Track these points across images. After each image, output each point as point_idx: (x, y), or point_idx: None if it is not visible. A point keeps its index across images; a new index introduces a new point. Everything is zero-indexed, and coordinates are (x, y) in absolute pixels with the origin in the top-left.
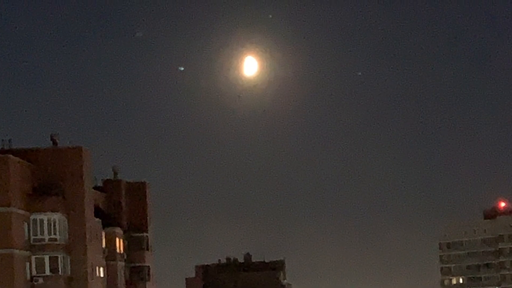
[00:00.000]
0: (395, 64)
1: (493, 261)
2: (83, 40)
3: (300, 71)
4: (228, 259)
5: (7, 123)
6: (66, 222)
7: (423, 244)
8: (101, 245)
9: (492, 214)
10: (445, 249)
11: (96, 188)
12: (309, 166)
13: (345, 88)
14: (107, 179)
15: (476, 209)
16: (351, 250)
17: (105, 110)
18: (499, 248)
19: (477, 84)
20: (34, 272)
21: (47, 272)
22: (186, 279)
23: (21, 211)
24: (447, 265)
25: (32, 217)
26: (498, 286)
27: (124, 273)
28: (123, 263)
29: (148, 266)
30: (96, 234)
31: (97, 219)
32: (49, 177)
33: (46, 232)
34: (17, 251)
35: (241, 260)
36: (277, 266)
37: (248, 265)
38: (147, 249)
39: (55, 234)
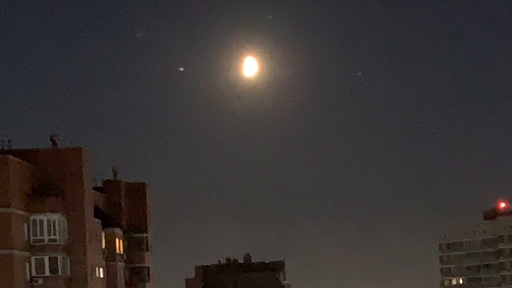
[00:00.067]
0: (395, 64)
1: (493, 262)
2: (83, 41)
3: (300, 71)
4: (228, 259)
5: (7, 123)
6: (65, 223)
7: (423, 245)
8: (101, 245)
9: (492, 214)
10: (445, 250)
11: (96, 188)
12: (309, 167)
13: (345, 88)
14: (107, 180)
15: (476, 210)
16: (351, 250)
17: (105, 110)
18: (499, 249)
19: (477, 85)
20: (33, 273)
21: (47, 273)
22: (185, 279)
23: (20, 212)
24: (447, 266)
25: (31, 217)
26: (498, 286)
27: (124, 274)
28: (123, 264)
29: (148, 267)
30: (96, 235)
31: (97, 220)
32: (48, 178)
33: (45, 232)
34: (16, 252)
35: (241, 260)
36: (277, 267)
37: (248, 266)
38: (147, 250)
39: (54, 234)
